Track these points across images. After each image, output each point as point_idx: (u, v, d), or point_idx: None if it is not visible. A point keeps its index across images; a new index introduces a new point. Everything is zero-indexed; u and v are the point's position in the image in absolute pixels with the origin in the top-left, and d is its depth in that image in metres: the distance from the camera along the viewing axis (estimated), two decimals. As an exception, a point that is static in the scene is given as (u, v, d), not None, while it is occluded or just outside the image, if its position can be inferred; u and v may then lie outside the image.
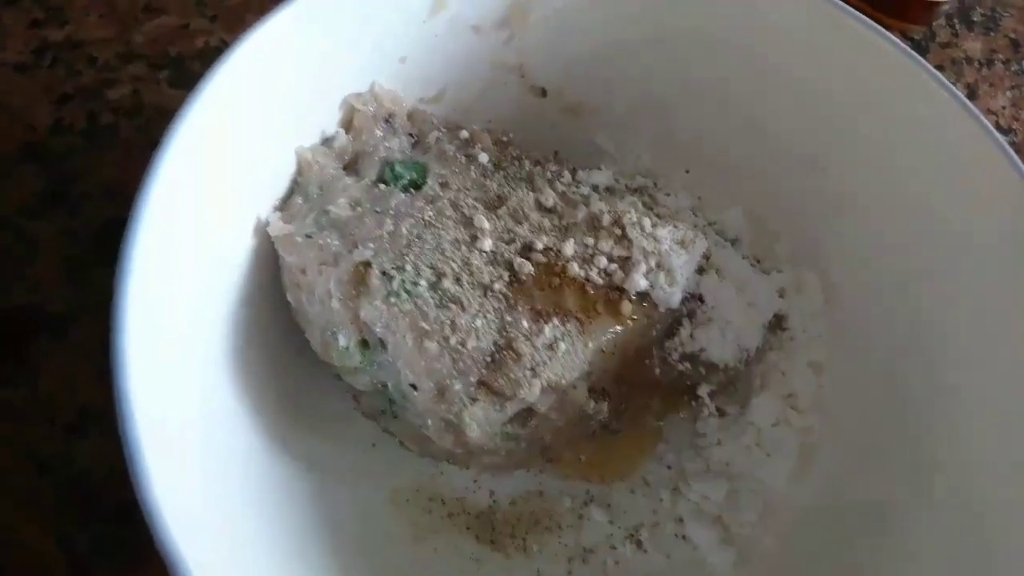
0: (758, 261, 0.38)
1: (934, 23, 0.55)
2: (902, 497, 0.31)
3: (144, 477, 0.21)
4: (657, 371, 0.32)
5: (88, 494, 0.33)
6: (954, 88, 0.33)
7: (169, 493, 0.21)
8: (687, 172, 0.40)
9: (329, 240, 0.29)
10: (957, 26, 0.56)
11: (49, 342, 0.36)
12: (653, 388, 0.33)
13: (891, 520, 0.31)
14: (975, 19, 0.57)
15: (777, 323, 0.36)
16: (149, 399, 0.22)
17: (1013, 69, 0.55)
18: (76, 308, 0.37)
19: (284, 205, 0.31)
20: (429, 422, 0.28)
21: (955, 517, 0.29)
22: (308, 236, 0.29)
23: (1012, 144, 0.52)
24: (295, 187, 0.31)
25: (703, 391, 0.33)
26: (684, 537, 0.32)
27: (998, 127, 0.52)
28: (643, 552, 0.32)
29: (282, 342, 0.31)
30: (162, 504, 0.21)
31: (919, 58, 0.33)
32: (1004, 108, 0.53)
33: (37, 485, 0.33)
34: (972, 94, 0.53)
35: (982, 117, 0.33)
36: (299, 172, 0.31)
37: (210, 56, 0.47)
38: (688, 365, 0.32)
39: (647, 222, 0.31)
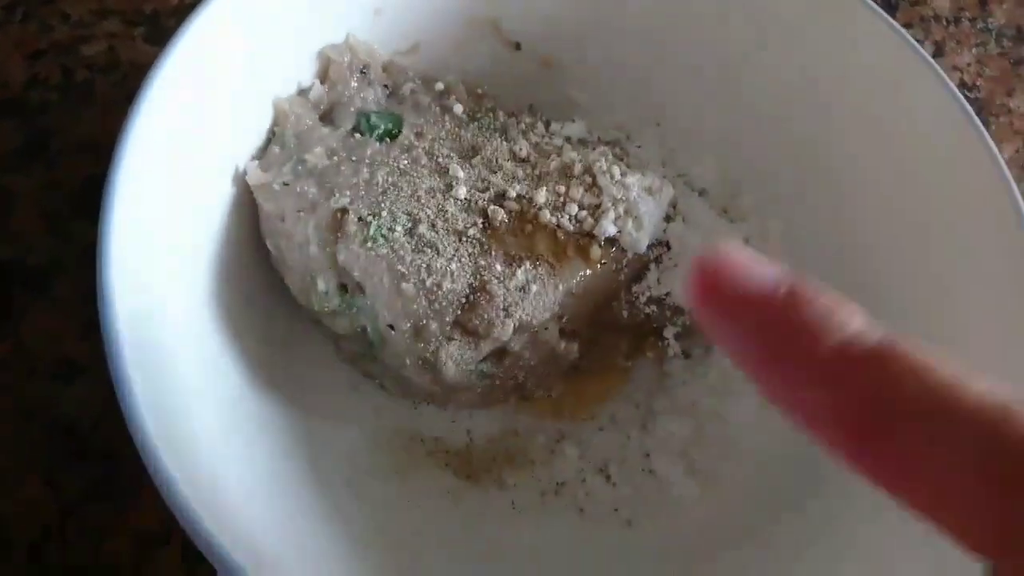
0: (725, 211, 0.39)
1: (904, -20, 0.56)
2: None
3: (137, 415, 0.22)
4: (625, 313, 0.33)
5: (75, 438, 0.34)
6: (917, 45, 0.34)
7: (160, 431, 0.22)
8: (658, 125, 0.41)
9: (306, 188, 0.30)
10: (927, -17, 0.57)
11: (31, 296, 0.37)
12: (621, 330, 0.34)
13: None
14: (944, -25, 0.58)
15: (742, 270, 0.37)
16: (135, 345, 0.23)
17: (979, 27, 0.56)
18: (57, 262, 0.37)
19: (262, 155, 0.32)
20: (407, 361, 0.29)
21: None
22: (285, 184, 0.30)
23: (976, 100, 0.53)
24: (272, 137, 0.32)
25: (669, 333, 0.35)
26: (651, 471, 0.34)
27: (962, 84, 0.53)
28: (612, 485, 0.34)
29: (263, 289, 0.32)
30: (156, 439, 0.22)
31: (885, 15, 0.34)
32: (969, 65, 0.54)
33: (24, 431, 0.34)
34: (939, 51, 0.55)
35: (940, 70, 0.34)
36: (276, 122, 0.32)
37: (185, 12, 0.45)
38: (655, 308, 0.34)
39: (616, 170, 0.32)
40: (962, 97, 0.33)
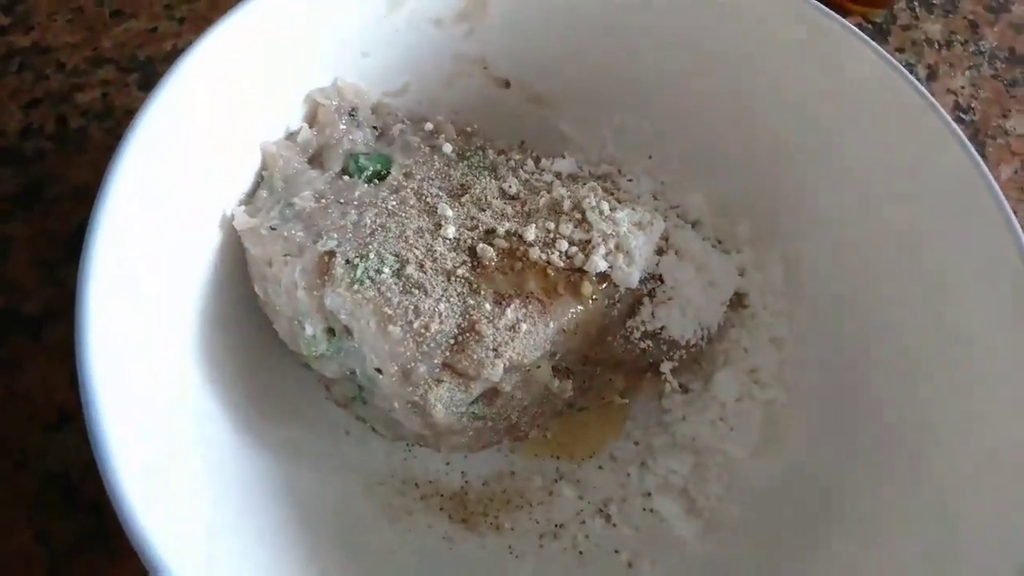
0: (720, 242, 0.38)
1: (895, 6, 0.56)
2: (862, 472, 0.32)
3: (114, 474, 0.21)
4: (620, 349, 0.33)
5: (67, 489, 0.33)
6: (907, 73, 0.34)
7: (141, 487, 0.22)
8: (650, 158, 0.41)
9: (294, 232, 0.30)
10: (917, 9, 0.57)
11: (25, 342, 0.36)
12: (616, 366, 0.33)
13: (851, 494, 0.32)
14: (935, 1, 0.58)
15: (738, 301, 0.37)
16: (117, 395, 0.23)
17: (971, 50, 0.56)
18: (51, 309, 0.37)
19: (249, 199, 0.31)
20: (396, 405, 0.29)
21: (915, 495, 0.30)
22: (273, 228, 0.30)
23: (971, 122, 0.53)
24: (260, 181, 0.32)
25: (666, 368, 0.34)
26: (652, 510, 0.33)
27: (957, 106, 0.53)
28: (612, 526, 0.33)
29: (251, 334, 0.32)
30: (134, 499, 0.21)
31: (872, 43, 0.34)
32: (963, 88, 0.54)
33: (16, 480, 0.33)
34: (932, 75, 0.55)
35: (931, 98, 0.33)
36: (264, 166, 0.32)
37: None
38: (650, 343, 0.33)
39: (606, 205, 0.32)
40: (953, 122, 0.33)
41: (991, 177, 0.31)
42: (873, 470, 0.32)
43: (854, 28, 0.34)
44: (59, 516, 0.33)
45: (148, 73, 0.45)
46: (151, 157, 0.26)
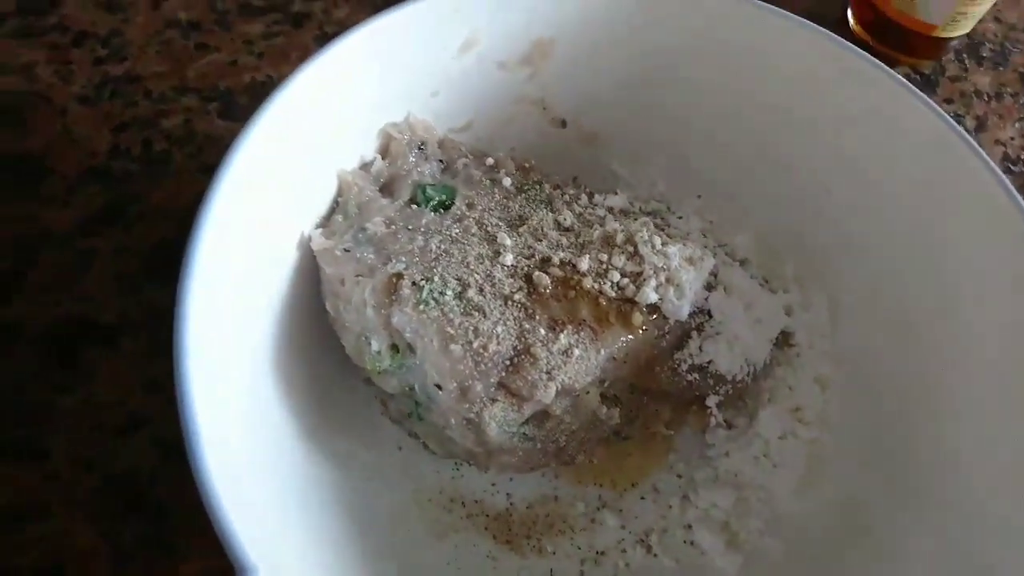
0: (766, 281, 0.39)
1: (943, 58, 0.57)
2: (904, 511, 0.32)
3: (202, 463, 0.23)
4: (667, 381, 0.34)
5: (133, 492, 0.35)
6: (951, 119, 0.35)
7: (223, 480, 0.23)
8: (699, 197, 0.42)
9: (365, 254, 0.32)
10: (967, 61, 0.58)
11: (100, 351, 0.39)
12: (663, 397, 0.34)
13: (892, 533, 0.32)
14: (984, 54, 0.59)
15: (784, 339, 0.37)
16: (204, 401, 0.24)
17: (1022, 102, 0.56)
18: (127, 320, 0.40)
19: (325, 223, 0.34)
20: (452, 421, 0.30)
21: (954, 536, 0.30)
22: (346, 250, 0.32)
23: (1020, 173, 0.53)
24: (336, 207, 0.34)
25: (711, 402, 0.35)
26: (692, 543, 0.34)
27: (1006, 157, 0.54)
28: (652, 556, 0.33)
29: (318, 349, 0.33)
30: (219, 488, 0.23)
31: (917, 91, 0.35)
32: (1012, 139, 0.55)
33: (85, 482, 0.35)
34: (981, 126, 0.55)
35: (977, 146, 0.34)
36: (340, 193, 0.34)
37: (256, 90, 0.50)
38: (697, 376, 0.34)
39: (658, 240, 0.33)
40: (999, 170, 0.33)
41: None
42: (914, 512, 0.32)
43: (905, 80, 0.35)
44: (124, 518, 0.34)
45: (227, 103, 0.48)
46: (244, 183, 0.28)
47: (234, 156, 0.28)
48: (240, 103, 0.48)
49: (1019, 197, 0.33)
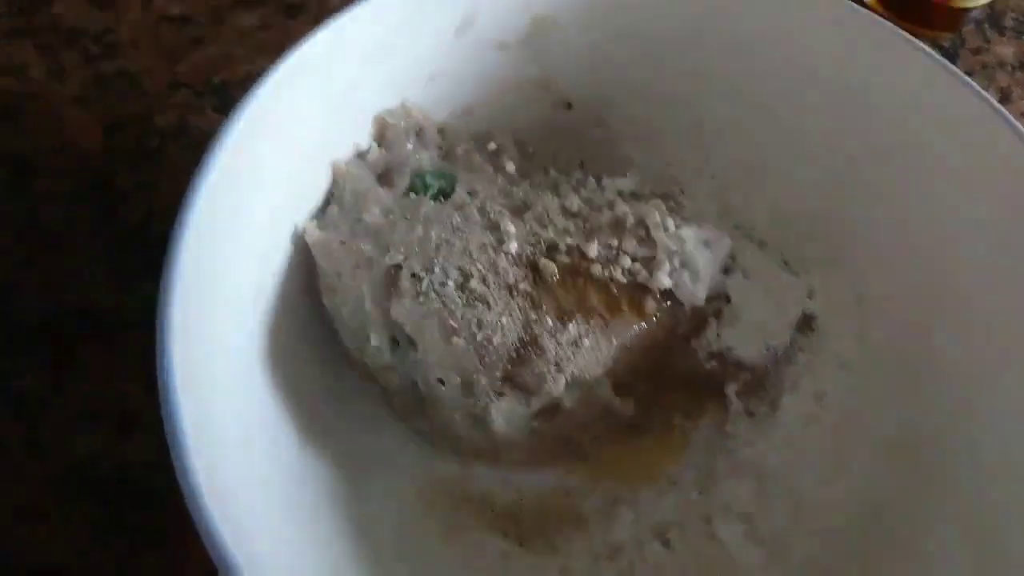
0: (787, 263, 0.38)
1: (963, 29, 0.55)
2: (929, 502, 0.31)
3: (189, 469, 0.22)
4: (684, 369, 0.32)
5: (133, 487, 0.34)
6: (984, 92, 0.33)
7: (213, 485, 0.22)
8: (713, 178, 0.40)
9: (362, 246, 0.31)
10: (988, 32, 0.56)
11: (96, 350, 0.38)
12: (680, 386, 0.33)
13: (917, 524, 0.30)
14: (1006, 24, 0.57)
15: (806, 323, 0.36)
16: (193, 398, 0.23)
17: (1046, 72, 0.54)
18: (124, 317, 0.39)
19: (320, 214, 0.32)
20: (457, 417, 0.29)
21: (979, 527, 0.29)
22: (343, 243, 0.31)
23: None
24: (331, 197, 0.33)
25: (731, 390, 0.33)
26: (712, 536, 0.32)
27: (1032, 129, 0.51)
28: (671, 550, 0.32)
29: (317, 345, 0.32)
30: (208, 496, 0.22)
31: (947, 63, 0.33)
32: (1037, 111, 0.52)
33: (83, 478, 0.34)
34: (1005, 98, 0.53)
35: (1012, 119, 0.32)
36: (334, 183, 0.33)
37: (251, 83, 0.49)
38: (715, 363, 0.32)
39: (671, 223, 0.32)
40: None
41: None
42: (938, 504, 0.31)
43: (924, 46, 0.34)
44: (123, 517, 0.34)
45: (222, 97, 0.47)
46: (231, 175, 0.27)
47: (217, 149, 0.27)
48: (235, 97, 0.46)
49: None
